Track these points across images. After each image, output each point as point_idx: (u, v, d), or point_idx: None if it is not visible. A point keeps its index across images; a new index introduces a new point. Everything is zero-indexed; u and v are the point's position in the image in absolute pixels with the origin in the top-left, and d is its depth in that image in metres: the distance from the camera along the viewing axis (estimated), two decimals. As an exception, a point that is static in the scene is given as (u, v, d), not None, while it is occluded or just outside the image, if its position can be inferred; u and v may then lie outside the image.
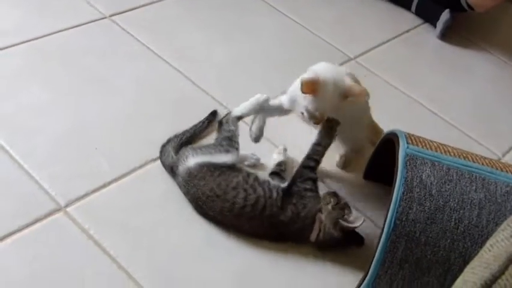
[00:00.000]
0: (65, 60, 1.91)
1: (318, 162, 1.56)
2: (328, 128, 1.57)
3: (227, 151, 1.57)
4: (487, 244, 0.85)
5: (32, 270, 1.34)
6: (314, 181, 1.56)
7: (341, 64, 2.20)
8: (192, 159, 1.55)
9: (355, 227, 1.49)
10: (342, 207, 1.50)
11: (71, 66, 1.89)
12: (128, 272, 1.38)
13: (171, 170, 1.59)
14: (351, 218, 1.49)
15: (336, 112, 1.55)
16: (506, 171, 1.45)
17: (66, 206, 1.49)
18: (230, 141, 1.59)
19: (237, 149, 1.59)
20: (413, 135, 1.50)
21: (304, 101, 1.50)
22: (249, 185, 1.51)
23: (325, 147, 1.57)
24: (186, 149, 1.61)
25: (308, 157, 1.56)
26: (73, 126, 1.69)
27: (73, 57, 1.93)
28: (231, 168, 1.54)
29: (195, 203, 1.53)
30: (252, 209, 1.48)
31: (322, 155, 1.57)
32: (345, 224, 1.48)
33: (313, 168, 1.56)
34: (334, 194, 1.54)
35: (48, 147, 1.61)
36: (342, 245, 1.52)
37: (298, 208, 1.51)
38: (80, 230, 1.44)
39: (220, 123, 1.65)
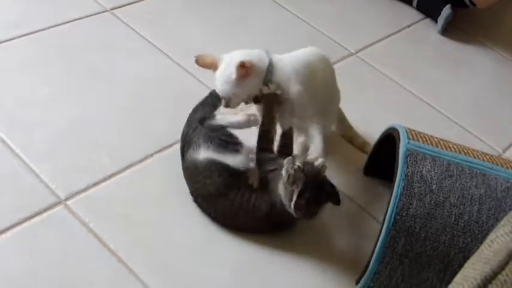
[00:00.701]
0: (66, 54, 1.90)
1: (271, 141, 1.53)
2: (267, 105, 1.55)
3: (236, 151, 1.51)
4: (487, 240, 0.85)
5: (32, 263, 1.34)
6: (274, 160, 1.50)
7: (342, 59, 2.20)
8: (202, 153, 1.50)
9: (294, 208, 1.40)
10: (292, 181, 1.39)
11: (72, 60, 1.89)
12: (127, 265, 1.38)
13: (182, 148, 1.57)
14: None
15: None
16: (507, 167, 1.45)
17: (67, 199, 1.49)
18: (232, 138, 1.53)
19: (241, 144, 1.53)
20: (413, 130, 1.49)
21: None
22: (247, 182, 1.49)
23: (270, 124, 1.53)
24: (201, 133, 1.53)
25: (259, 140, 1.52)
26: (73, 120, 1.69)
27: (73, 50, 1.92)
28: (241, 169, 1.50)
29: (194, 196, 1.53)
30: (247, 205, 1.47)
31: (271, 132, 1.54)
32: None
33: (268, 149, 1.52)
34: (288, 164, 1.42)
35: (49, 141, 1.61)
36: (317, 208, 1.44)
37: (271, 193, 1.47)
38: (80, 223, 1.44)
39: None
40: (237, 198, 1.47)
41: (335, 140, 1.84)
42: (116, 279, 1.36)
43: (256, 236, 1.51)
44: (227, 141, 1.52)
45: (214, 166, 1.49)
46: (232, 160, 1.50)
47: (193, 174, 1.52)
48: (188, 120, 1.61)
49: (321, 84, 1.64)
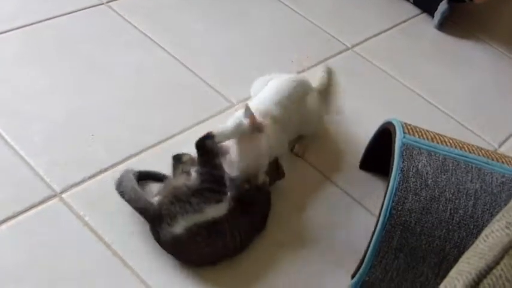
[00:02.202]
0: (62, 47, 1.90)
1: None
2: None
3: (218, 201, 1.40)
4: (482, 234, 0.85)
5: (27, 256, 1.34)
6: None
7: (339, 53, 2.20)
8: (181, 223, 1.36)
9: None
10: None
11: (68, 53, 1.88)
12: (123, 259, 1.38)
13: (152, 221, 1.40)
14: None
15: None
16: (502, 161, 1.45)
17: (62, 192, 1.48)
18: (220, 185, 1.41)
19: (226, 193, 1.42)
20: (409, 124, 1.49)
21: None
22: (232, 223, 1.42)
23: None
24: (174, 202, 1.38)
25: None
26: (69, 113, 1.68)
27: (70, 43, 1.92)
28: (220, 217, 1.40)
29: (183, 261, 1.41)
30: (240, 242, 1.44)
31: None
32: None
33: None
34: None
35: (45, 134, 1.61)
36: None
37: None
38: (75, 216, 1.44)
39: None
40: (229, 245, 1.42)
41: (331, 135, 1.84)
42: (111, 273, 1.36)
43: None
44: (213, 190, 1.40)
45: (196, 229, 1.37)
46: (215, 212, 1.39)
47: (176, 249, 1.40)
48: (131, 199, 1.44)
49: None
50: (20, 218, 1.41)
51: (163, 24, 2.09)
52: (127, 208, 1.48)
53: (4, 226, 1.38)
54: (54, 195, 1.47)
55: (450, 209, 1.34)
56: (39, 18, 1.96)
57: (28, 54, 1.84)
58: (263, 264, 1.47)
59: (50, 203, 1.46)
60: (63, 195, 1.48)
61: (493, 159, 1.44)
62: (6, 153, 1.53)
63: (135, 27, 2.03)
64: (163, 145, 1.66)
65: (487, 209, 1.34)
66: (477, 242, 0.85)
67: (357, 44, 2.27)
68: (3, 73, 1.76)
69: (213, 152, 1.41)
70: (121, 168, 1.57)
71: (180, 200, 1.37)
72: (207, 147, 1.41)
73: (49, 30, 1.94)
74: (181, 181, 1.43)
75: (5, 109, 1.65)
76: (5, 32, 1.88)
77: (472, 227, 1.33)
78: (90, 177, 1.53)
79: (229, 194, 1.43)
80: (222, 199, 1.40)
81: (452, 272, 0.81)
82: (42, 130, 1.61)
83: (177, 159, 1.55)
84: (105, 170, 1.56)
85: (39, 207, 1.44)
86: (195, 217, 1.37)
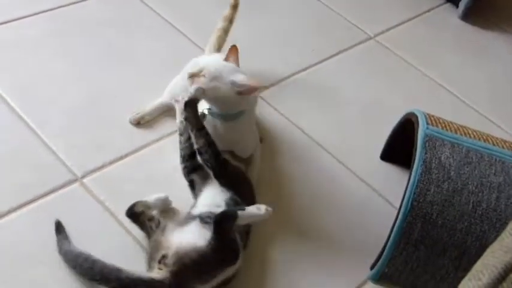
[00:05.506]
0: (84, 31, 1.90)
1: None
2: None
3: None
4: (508, 228, 0.84)
5: (47, 240, 1.35)
6: None
7: (360, 43, 2.18)
8: None
9: None
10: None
11: (90, 37, 1.88)
12: (142, 244, 1.39)
13: None
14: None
15: None
16: (527, 155, 1.43)
17: (83, 177, 1.49)
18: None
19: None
20: (433, 116, 1.48)
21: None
22: None
23: None
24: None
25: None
26: (91, 97, 1.69)
27: (92, 28, 1.92)
28: None
29: None
30: None
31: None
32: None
33: None
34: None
35: (66, 118, 1.61)
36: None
37: None
38: (95, 201, 1.45)
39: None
40: None
41: (352, 125, 1.83)
42: (130, 258, 1.36)
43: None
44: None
45: None
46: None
47: None
48: None
49: None
50: (41, 201, 1.42)
51: (185, 12, 2.08)
52: (147, 193, 1.48)
53: (25, 209, 1.39)
54: (75, 180, 1.48)
55: (473, 202, 1.33)
56: (62, 3, 1.97)
57: (51, 38, 1.85)
58: (278, 251, 1.47)
59: (71, 187, 1.46)
60: (84, 180, 1.48)
61: (517, 152, 1.42)
62: (27, 137, 1.54)
63: (157, 13, 2.03)
64: (183, 132, 1.66)
65: (511, 203, 1.33)
66: (502, 235, 0.84)
67: (379, 34, 2.25)
68: (26, 57, 1.77)
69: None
70: (141, 154, 1.57)
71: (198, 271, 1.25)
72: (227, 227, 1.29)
73: (72, 15, 1.95)
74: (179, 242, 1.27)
75: (26, 93, 1.66)
76: (30, 15, 1.89)
77: (494, 220, 1.32)
78: (111, 163, 1.54)
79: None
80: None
81: (477, 265, 0.81)
82: (63, 114, 1.62)
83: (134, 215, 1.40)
84: (126, 155, 1.56)
85: (60, 191, 1.45)
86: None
